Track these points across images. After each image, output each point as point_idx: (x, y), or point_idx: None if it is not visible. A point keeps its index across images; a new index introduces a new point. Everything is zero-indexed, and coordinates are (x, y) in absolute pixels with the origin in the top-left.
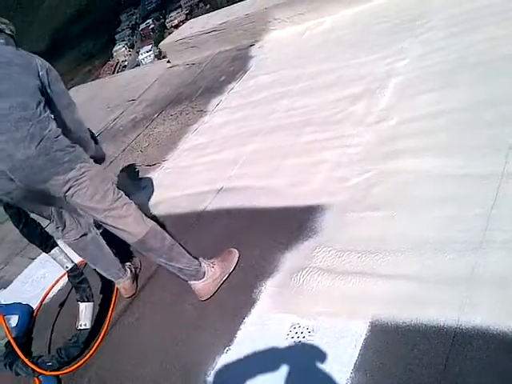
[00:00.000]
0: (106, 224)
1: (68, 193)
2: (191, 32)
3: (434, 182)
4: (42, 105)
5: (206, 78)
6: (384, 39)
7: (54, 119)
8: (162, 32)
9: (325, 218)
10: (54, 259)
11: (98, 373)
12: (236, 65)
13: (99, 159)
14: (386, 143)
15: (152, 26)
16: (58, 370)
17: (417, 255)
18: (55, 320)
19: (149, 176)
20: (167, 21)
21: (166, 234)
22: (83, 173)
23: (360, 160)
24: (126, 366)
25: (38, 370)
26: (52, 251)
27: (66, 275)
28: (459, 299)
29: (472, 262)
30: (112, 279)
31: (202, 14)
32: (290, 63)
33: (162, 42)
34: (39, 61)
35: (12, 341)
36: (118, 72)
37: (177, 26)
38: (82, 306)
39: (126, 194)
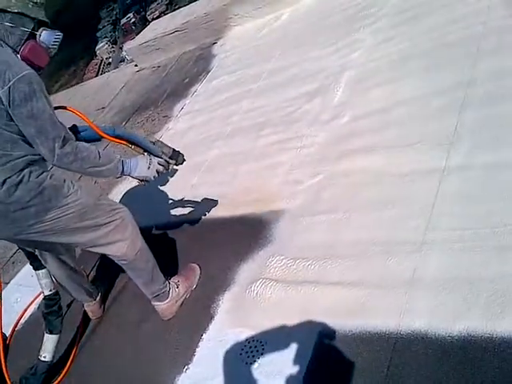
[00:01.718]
0: (93, 250)
1: (41, 239)
2: (155, 34)
3: (382, 182)
4: None
5: (171, 80)
6: (338, 30)
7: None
8: (143, 25)
9: (279, 225)
10: (37, 280)
11: None
12: (199, 65)
13: (144, 181)
14: (337, 143)
15: (133, 19)
16: None
17: (364, 260)
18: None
19: (116, 189)
20: (148, 13)
21: (150, 254)
22: (56, 221)
23: (313, 161)
24: None
25: None
26: (38, 271)
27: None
28: (400, 304)
29: (413, 264)
30: (82, 302)
31: (184, 5)
32: (249, 61)
33: (127, 47)
34: (9, 71)
35: None
36: (103, 70)
37: (158, 17)
38: (46, 337)
39: None
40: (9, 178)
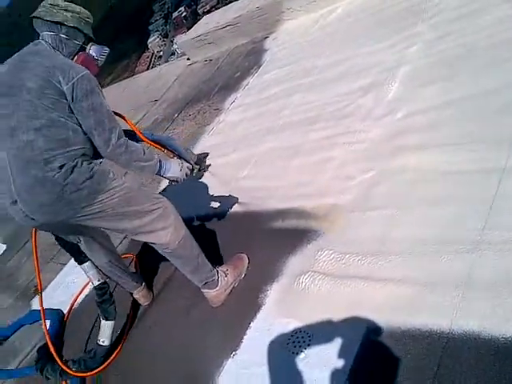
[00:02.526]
0: (138, 239)
1: (92, 223)
2: (207, 28)
3: (436, 180)
4: (52, 139)
5: (223, 74)
6: (394, 24)
7: (89, 143)
8: (194, 19)
9: (329, 219)
10: (85, 273)
11: (115, 373)
12: (251, 59)
13: (174, 181)
14: (391, 139)
15: (184, 13)
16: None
17: (415, 257)
18: (92, 324)
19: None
20: (199, 7)
21: (195, 242)
22: (104, 204)
23: (365, 157)
24: (142, 369)
25: (70, 372)
26: (83, 265)
27: None
28: (452, 304)
29: (468, 264)
30: (130, 291)
31: None
32: (302, 55)
33: (179, 41)
34: (63, 74)
35: (50, 345)
36: (153, 63)
37: (209, 11)
38: (103, 323)
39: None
40: (66, 163)
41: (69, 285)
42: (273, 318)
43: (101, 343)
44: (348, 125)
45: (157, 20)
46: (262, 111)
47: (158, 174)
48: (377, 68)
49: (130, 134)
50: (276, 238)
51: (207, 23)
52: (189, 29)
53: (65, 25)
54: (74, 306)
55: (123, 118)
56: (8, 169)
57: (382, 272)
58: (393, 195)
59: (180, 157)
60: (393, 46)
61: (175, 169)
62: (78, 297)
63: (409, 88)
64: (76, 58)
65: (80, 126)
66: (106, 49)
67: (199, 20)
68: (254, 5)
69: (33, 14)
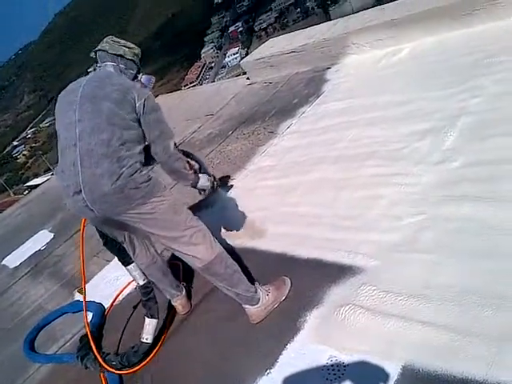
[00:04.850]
0: (174, 250)
1: (140, 224)
2: (271, 52)
3: (487, 234)
4: (124, 141)
5: (281, 98)
6: (460, 74)
7: (145, 150)
8: (249, 35)
9: (374, 255)
10: (130, 274)
11: (153, 376)
12: (310, 87)
13: (202, 190)
14: (444, 186)
15: (241, 28)
16: (119, 370)
17: (457, 306)
18: (126, 322)
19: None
20: (256, 24)
21: (231, 260)
22: (155, 207)
23: (416, 200)
24: (177, 374)
25: (106, 367)
26: (128, 266)
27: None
28: (489, 355)
29: (509, 319)
30: (170, 298)
31: (293, 19)
32: (363, 91)
33: (244, 60)
34: (137, 92)
35: (90, 336)
36: (204, 73)
37: (265, 29)
38: (147, 321)
39: None
40: (133, 164)
41: (111, 281)
42: (309, 343)
43: (144, 340)
44: (402, 166)
45: (213, 32)
46: (316, 140)
47: (193, 183)
48: (437, 114)
49: None
50: (320, 266)
51: (272, 47)
52: (243, 44)
53: (124, 57)
54: (115, 302)
55: None
56: (78, 164)
57: (422, 315)
58: (440, 241)
59: (205, 172)
60: (456, 95)
61: (205, 180)
62: (120, 293)
63: (467, 138)
64: None
65: (142, 137)
66: (153, 77)
67: (255, 37)
68: (322, 35)
69: (98, 48)
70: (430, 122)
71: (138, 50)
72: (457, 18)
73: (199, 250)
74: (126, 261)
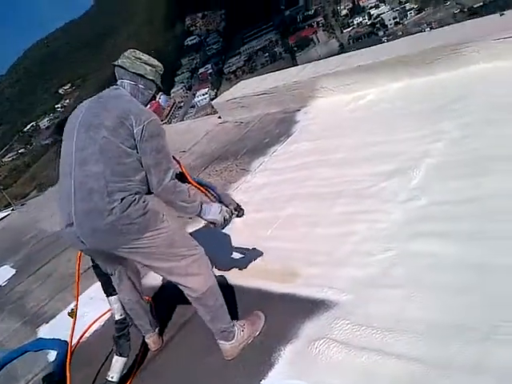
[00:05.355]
0: (169, 279)
1: (134, 255)
2: (243, 93)
3: (453, 269)
4: (118, 173)
5: (252, 138)
6: (424, 118)
7: (146, 179)
8: (219, 77)
9: (346, 290)
10: (109, 304)
11: None
12: (281, 127)
13: (211, 223)
14: (412, 223)
15: (210, 70)
16: None
17: (428, 339)
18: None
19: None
20: (225, 66)
21: (219, 292)
22: (150, 241)
23: (385, 237)
24: None
25: None
26: (110, 297)
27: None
28: None
29: (477, 354)
30: (144, 333)
31: (261, 63)
32: (332, 132)
33: (215, 100)
34: (136, 117)
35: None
36: (173, 112)
37: (234, 72)
38: (115, 359)
39: None
40: (126, 197)
41: (78, 317)
42: (285, 378)
43: (110, 379)
44: (371, 204)
45: (183, 73)
46: (287, 178)
47: (199, 215)
48: (402, 156)
49: (180, 176)
50: (293, 301)
51: (244, 88)
52: (212, 84)
53: (144, 77)
54: (83, 339)
55: (178, 162)
56: (72, 195)
57: (394, 348)
58: (410, 277)
59: (220, 201)
60: (420, 138)
61: (215, 212)
62: (87, 330)
63: (432, 179)
64: (149, 105)
65: (141, 164)
66: (170, 98)
67: (225, 79)
68: (292, 78)
69: (117, 63)
70: (396, 163)
71: (160, 68)
72: (420, 66)
73: (194, 281)
74: (109, 291)
